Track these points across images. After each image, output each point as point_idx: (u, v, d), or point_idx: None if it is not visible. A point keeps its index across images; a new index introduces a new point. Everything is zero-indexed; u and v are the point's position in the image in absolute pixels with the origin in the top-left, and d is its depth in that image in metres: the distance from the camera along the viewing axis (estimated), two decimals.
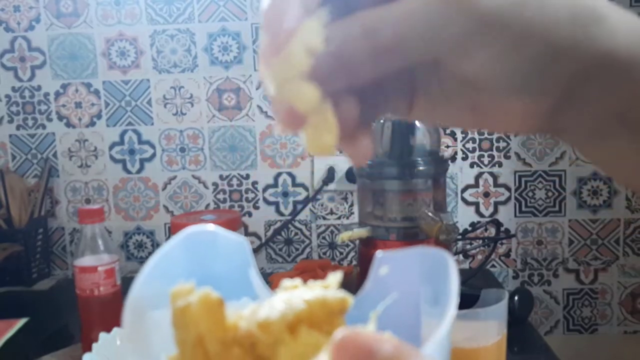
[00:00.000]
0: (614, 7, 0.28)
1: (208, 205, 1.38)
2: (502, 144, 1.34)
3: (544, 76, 0.27)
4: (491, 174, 1.35)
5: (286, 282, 0.25)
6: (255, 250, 1.38)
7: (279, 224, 1.38)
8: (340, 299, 0.23)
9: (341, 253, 1.39)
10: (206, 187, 1.38)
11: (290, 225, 1.38)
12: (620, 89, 0.27)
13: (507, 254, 1.37)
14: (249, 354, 0.22)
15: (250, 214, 1.38)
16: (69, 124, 1.38)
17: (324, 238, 1.38)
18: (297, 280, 0.25)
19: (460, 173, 1.35)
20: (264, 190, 1.37)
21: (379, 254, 0.30)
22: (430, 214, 0.90)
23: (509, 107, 0.28)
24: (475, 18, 0.25)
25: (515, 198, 1.35)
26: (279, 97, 0.27)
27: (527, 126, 0.30)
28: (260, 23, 0.26)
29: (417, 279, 0.27)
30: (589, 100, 0.28)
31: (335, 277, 0.25)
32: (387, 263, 0.30)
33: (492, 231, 1.34)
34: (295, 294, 0.23)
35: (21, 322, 1.06)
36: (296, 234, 1.38)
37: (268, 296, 0.26)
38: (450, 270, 0.23)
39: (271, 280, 1.14)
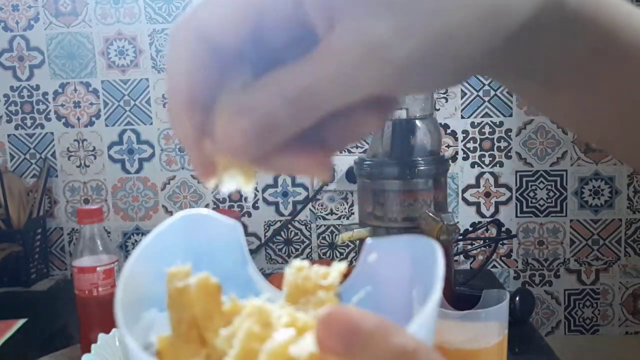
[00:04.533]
0: None
1: (207, 205, 1.38)
2: (503, 144, 1.33)
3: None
4: (492, 173, 1.35)
5: (296, 262, 0.26)
6: (255, 251, 1.38)
7: (278, 224, 1.37)
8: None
9: (341, 253, 1.38)
10: (205, 187, 1.37)
11: (290, 226, 1.37)
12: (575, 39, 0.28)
13: (508, 255, 1.36)
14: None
15: (249, 214, 1.38)
16: (67, 124, 1.37)
17: (324, 238, 1.38)
18: (305, 262, 0.26)
19: (461, 173, 1.35)
20: (264, 190, 1.37)
21: (368, 240, 0.30)
22: (430, 214, 0.89)
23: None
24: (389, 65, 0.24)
25: (517, 198, 1.35)
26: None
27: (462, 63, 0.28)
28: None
29: (406, 266, 0.28)
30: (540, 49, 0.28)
31: (338, 267, 0.25)
32: (375, 250, 0.30)
33: (493, 231, 1.33)
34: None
35: (19, 322, 1.06)
36: (296, 234, 1.38)
37: (259, 280, 0.27)
38: (437, 256, 0.24)
39: (271, 281, 1.14)
